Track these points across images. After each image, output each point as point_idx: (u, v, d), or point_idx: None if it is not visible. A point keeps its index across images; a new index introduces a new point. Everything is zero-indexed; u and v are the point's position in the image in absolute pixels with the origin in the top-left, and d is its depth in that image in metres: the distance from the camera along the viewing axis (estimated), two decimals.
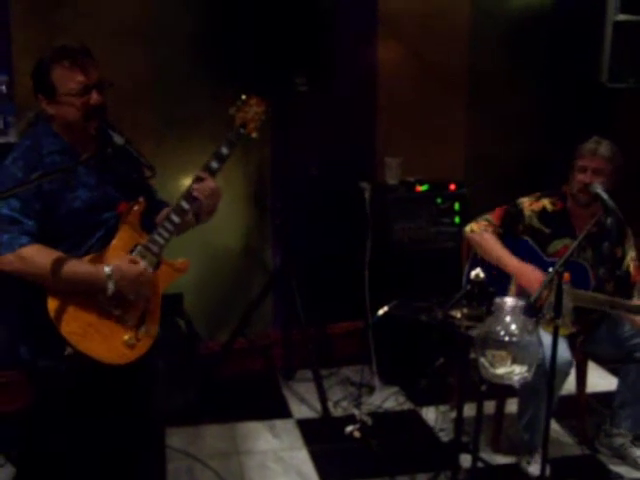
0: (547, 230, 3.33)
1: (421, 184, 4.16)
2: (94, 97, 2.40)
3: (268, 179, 4.22)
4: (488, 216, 3.38)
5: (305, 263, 4.18)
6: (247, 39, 3.64)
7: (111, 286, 2.36)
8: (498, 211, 3.39)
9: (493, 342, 2.42)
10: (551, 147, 4.58)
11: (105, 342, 2.40)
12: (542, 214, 3.34)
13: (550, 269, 2.66)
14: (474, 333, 2.51)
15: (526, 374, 2.41)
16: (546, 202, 3.36)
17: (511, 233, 3.34)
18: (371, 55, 4.32)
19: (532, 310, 2.55)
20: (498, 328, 2.41)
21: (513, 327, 2.40)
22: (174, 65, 3.89)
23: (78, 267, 2.37)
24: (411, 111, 4.41)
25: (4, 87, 3.55)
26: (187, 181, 3.77)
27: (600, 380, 4.08)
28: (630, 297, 3.27)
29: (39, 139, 2.43)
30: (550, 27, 4.52)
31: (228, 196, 4.06)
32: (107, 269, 2.37)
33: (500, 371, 2.41)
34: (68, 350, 2.33)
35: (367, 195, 4.18)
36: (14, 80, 3.55)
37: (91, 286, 2.38)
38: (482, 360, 2.44)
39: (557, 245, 3.30)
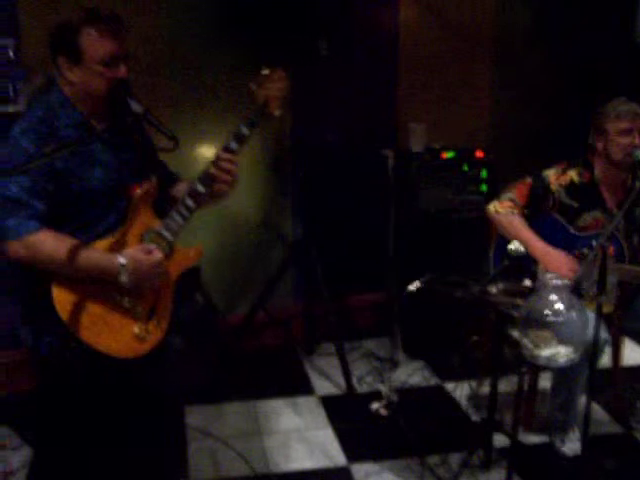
0: (576, 204, 3.13)
1: (447, 151, 3.99)
2: (122, 70, 2.22)
3: (288, 147, 4.06)
4: (511, 194, 3.18)
5: (326, 234, 4.05)
6: (266, 4, 3.47)
7: (124, 278, 2.19)
8: (521, 188, 3.18)
9: (536, 322, 2.28)
10: (581, 110, 4.39)
11: (114, 335, 2.23)
12: (570, 187, 3.14)
13: (594, 242, 2.51)
14: (515, 312, 2.37)
15: (573, 355, 2.27)
16: (573, 174, 3.16)
17: (538, 210, 3.16)
18: (393, 17, 4.13)
19: (576, 288, 2.41)
20: (542, 307, 2.26)
21: (558, 306, 2.26)
22: (191, 32, 3.71)
23: (90, 255, 2.19)
24: (434, 75, 4.24)
25: (11, 52, 3.35)
26: (205, 151, 3.71)
27: (633, 354, 3.95)
28: None
29: (54, 110, 2.23)
30: None
31: (246, 166, 3.95)
32: (121, 259, 2.19)
33: (545, 353, 2.27)
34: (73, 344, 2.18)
35: (390, 163, 4.02)
36: (21, 44, 3.36)
37: (103, 275, 2.21)
38: (525, 341, 2.30)
39: (587, 219, 3.12)
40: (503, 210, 3.16)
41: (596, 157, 3.14)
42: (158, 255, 2.28)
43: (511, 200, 3.17)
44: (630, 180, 3.11)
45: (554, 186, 3.15)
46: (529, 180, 3.20)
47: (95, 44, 2.17)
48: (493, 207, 3.20)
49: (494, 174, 4.03)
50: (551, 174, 3.18)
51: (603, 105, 3.12)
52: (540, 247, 3.04)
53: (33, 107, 2.27)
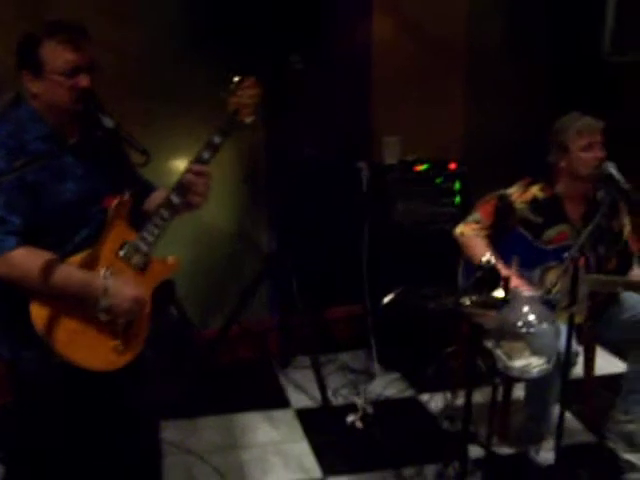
0: (540, 220, 3.16)
1: (420, 163, 4.02)
2: (82, 80, 2.20)
3: (262, 160, 4.07)
4: (477, 214, 3.21)
5: (301, 246, 4.05)
6: (240, 16, 3.48)
7: (104, 302, 2.19)
8: (486, 207, 3.22)
9: (509, 333, 2.30)
10: (552, 123, 4.45)
11: (92, 349, 2.23)
12: (533, 204, 3.17)
13: (565, 254, 2.54)
14: (488, 324, 2.39)
15: (545, 366, 2.29)
16: (535, 190, 3.19)
17: (504, 228, 3.18)
18: (367, 31, 4.16)
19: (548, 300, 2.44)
20: (514, 319, 2.28)
21: (530, 317, 2.28)
22: (165, 45, 3.70)
23: (71, 274, 2.19)
24: (408, 87, 4.25)
25: None
26: (178, 163, 3.70)
27: (604, 363, 3.98)
28: (631, 269, 3.19)
29: (23, 123, 2.22)
30: None
31: (220, 178, 3.94)
32: (107, 282, 2.20)
33: (518, 363, 2.29)
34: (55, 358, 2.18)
35: (364, 175, 4.04)
36: None
37: (82, 295, 2.20)
38: (498, 352, 2.32)
39: (551, 233, 3.15)
40: (470, 232, 3.19)
41: (559, 173, 3.17)
42: (144, 293, 2.30)
43: (476, 221, 3.20)
44: (593, 192, 3.14)
45: (517, 204, 3.18)
46: (493, 199, 3.23)
47: (55, 54, 2.17)
48: (459, 230, 3.23)
49: (467, 186, 4.06)
50: (514, 192, 3.21)
51: (559, 122, 3.15)
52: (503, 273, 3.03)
53: (2, 123, 2.25)
